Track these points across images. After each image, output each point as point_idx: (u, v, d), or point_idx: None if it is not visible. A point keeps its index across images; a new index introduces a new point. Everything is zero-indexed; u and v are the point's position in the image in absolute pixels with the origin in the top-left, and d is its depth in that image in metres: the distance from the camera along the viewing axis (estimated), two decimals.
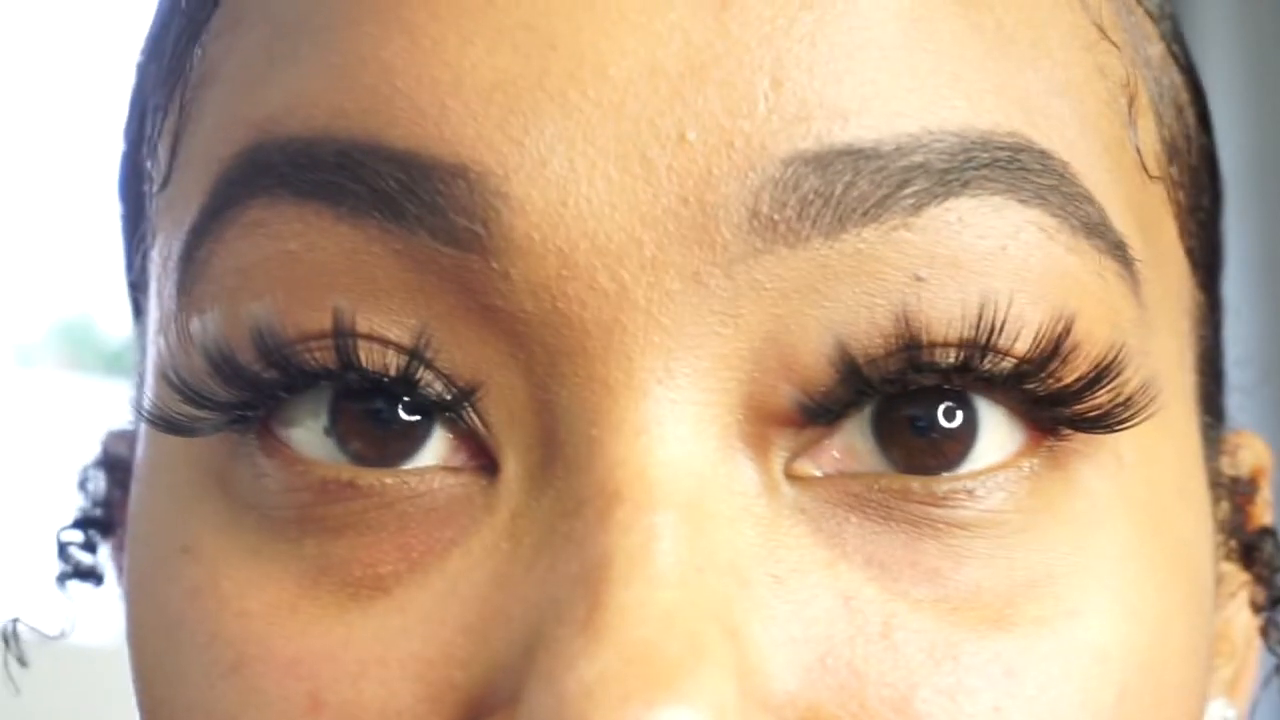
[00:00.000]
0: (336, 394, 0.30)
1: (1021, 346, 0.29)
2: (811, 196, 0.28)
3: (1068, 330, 0.29)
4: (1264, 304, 1.12)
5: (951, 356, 0.28)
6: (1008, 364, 0.29)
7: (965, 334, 0.28)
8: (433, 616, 0.29)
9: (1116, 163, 0.31)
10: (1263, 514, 0.39)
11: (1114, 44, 0.32)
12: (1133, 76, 0.32)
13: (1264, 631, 0.38)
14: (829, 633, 0.28)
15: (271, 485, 0.31)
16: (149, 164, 0.35)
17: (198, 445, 0.32)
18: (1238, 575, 0.38)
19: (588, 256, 0.28)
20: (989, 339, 0.28)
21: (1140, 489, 0.31)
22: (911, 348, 0.28)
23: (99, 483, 0.44)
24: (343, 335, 0.29)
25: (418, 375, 0.29)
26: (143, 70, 0.36)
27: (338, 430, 0.30)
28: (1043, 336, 0.29)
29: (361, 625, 0.29)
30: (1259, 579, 0.38)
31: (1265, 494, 0.40)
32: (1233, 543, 0.38)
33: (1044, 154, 0.29)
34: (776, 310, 0.28)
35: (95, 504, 0.44)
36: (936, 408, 0.29)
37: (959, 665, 0.28)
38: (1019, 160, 0.29)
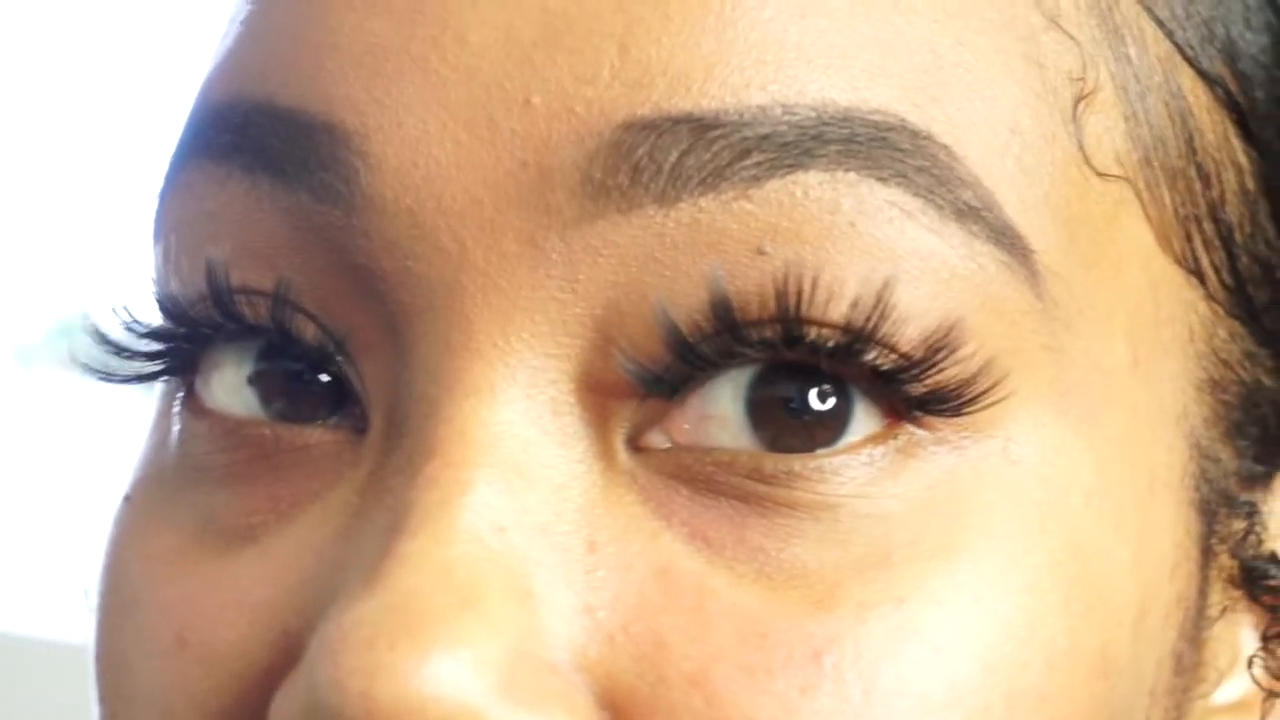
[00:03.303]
0: (258, 354, 0.32)
1: (839, 314, 0.28)
2: (645, 163, 0.28)
3: (891, 296, 0.28)
4: None
5: (772, 332, 0.28)
6: (830, 333, 0.28)
7: (779, 307, 0.28)
8: (286, 565, 0.30)
9: (1038, 154, 0.30)
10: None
11: (1069, 36, 0.31)
12: (1094, 71, 0.31)
13: (1250, 662, 0.36)
14: (639, 602, 0.28)
15: (185, 435, 0.32)
16: None
17: (162, 408, 0.34)
18: (1229, 599, 0.36)
19: (433, 216, 0.29)
20: (802, 311, 0.28)
21: (1032, 487, 0.30)
22: (731, 325, 0.28)
23: None
24: (217, 291, 0.31)
25: (289, 321, 0.30)
26: None
27: (261, 386, 0.32)
28: (863, 302, 0.28)
29: (229, 571, 0.30)
30: (1267, 609, 0.36)
31: None
32: (1235, 567, 0.36)
33: (916, 134, 0.29)
34: (614, 278, 0.29)
35: None
36: (809, 389, 0.29)
37: (766, 643, 0.28)
38: (884, 138, 0.29)
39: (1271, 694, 0.35)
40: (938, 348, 0.29)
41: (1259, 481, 0.36)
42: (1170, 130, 0.33)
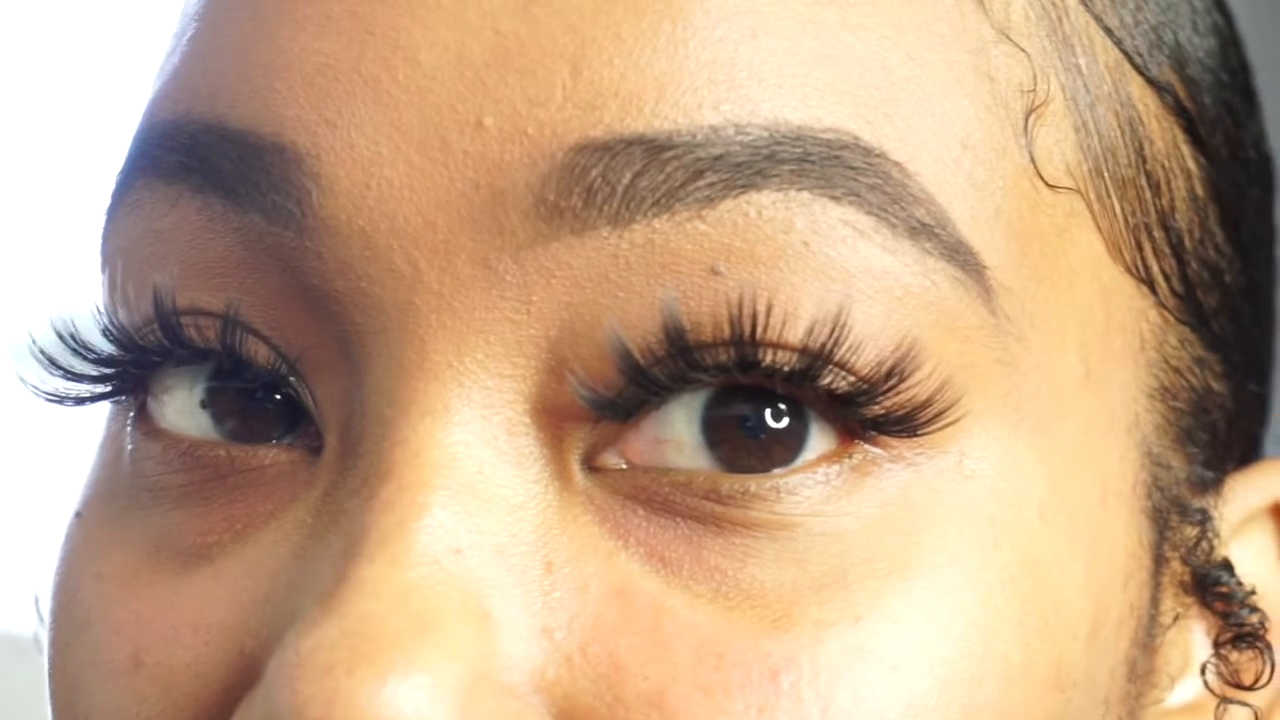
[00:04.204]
0: (211, 373, 0.31)
1: (794, 338, 0.28)
2: (598, 184, 0.28)
3: (848, 322, 0.28)
4: None
5: (725, 355, 0.28)
6: (784, 357, 0.28)
7: (733, 331, 0.28)
8: (241, 586, 0.30)
9: (988, 168, 0.30)
10: (1254, 545, 0.37)
11: (1019, 48, 0.31)
12: (1044, 83, 0.31)
13: (1203, 668, 0.35)
14: (596, 623, 0.28)
15: (138, 455, 0.32)
16: None
17: (114, 423, 0.34)
18: (1189, 606, 0.36)
19: (386, 238, 0.29)
20: (756, 335, 0.28)
21: (986, 502, 0.30)
22: (683, 349, 0.28)
23: None
24: (163, 314, 0.30)
25: (240, 344, 0.30)
26: None
27: (214, 407, 0.31)
28: (818, 328, 0.28)
29: (184, 592, 0.30)
30: (1218, 615, 0.36)
31: (1267, 530, 0.37)
32: (1187, 573, 0.36)
33: (869, 151, 0.29)
34: (569, 299, 0.28)
35: None
36: (763, 410, 0.29)
37: (723, 663, 0.28)
38: (838, 157, 0.29)
39: (1224, 699, 0.35)
40: (894, 371, 0.29)
41: (1209, 487, 0.36)
42: (1120, 139, 0.33)
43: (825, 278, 0.28)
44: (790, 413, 0.29)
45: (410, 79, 0.29)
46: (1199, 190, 0.35)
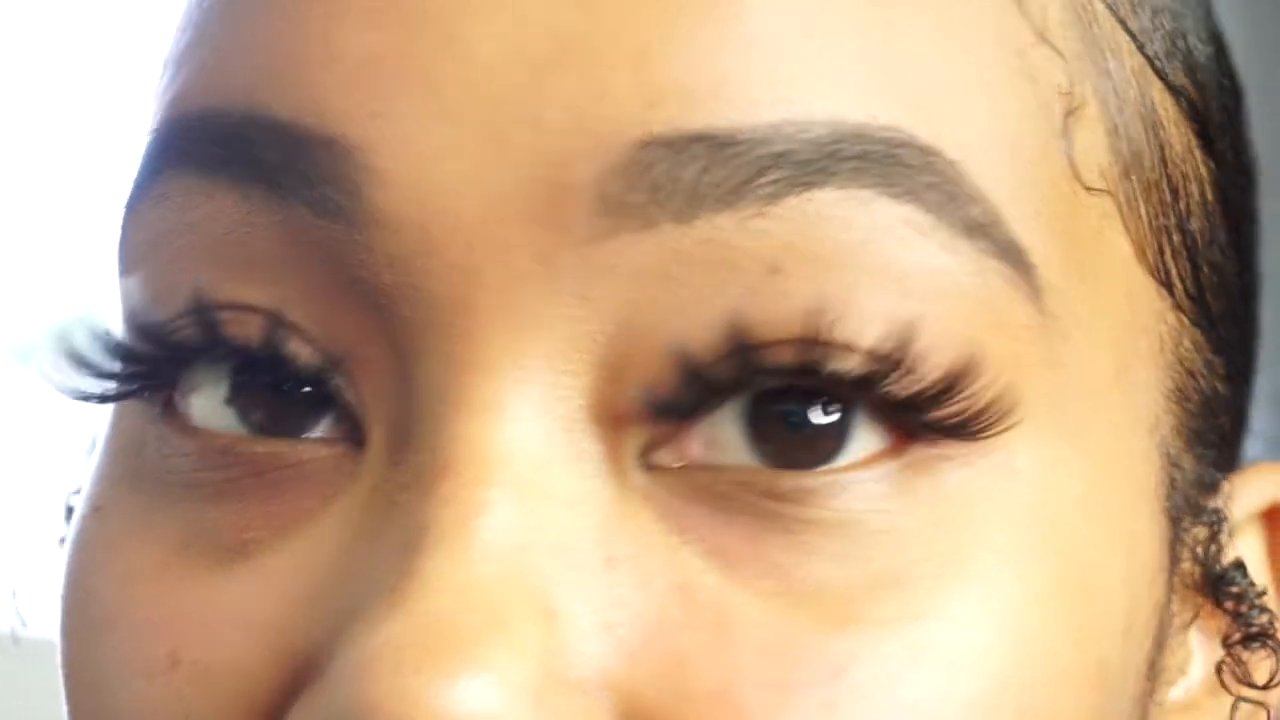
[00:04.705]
0: (236, 366, 0.31)
1: (865, 345, 0.28)
2: (662, 180, 0.28)
3: (918, 330, 0.28)
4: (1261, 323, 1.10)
5: (788, 357, 0.28)
6: (851, 364, 0.28)
7: (802, 332, 0.28)
8: (286, 582, 0.29)
9: (1034, 168, 0.30)
10: (1246, 549, 0.37)
11: (1057, 51, 0.31)
12: (1079, 85, 0.32)
13: (1219, 668, 0.36)
14: (660, 619, 0.28)
15: (167, 450, 0.31)
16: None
17: (127, 411, 0.33)
18: (1198, 606, 0.36)
19: (443, 233, 0.28)
20: (826, 338, 0.28)
21: (1035, 502, 0.30)
22: (745, 348, 0.28)
23: None
24: (204, 309, 0.30)
25: (283, 344, 0.30)
26: None
27: (239, 401, 0.31)
28: (889, 336, 0.28)
29: (224, 588, 0.30)
30: (1229, 615, 0.37)
31: (1263, 533, 0.38)
32: (1198, 573, 0.36)
33: (926, 150, 0.29)
34: (629, 295, 0.28)
35: None
36: (810, 405, 0.29)
37: (788, 659, 0.28)
38: (896, 155, 0.28)
39: (1240, 699, 0.36)
40: (958, 377, 0.29)
41: (1215, 489, 0.36)
42: (1145, 143, 0.33)
43: (888, 279, 0.28)
44: (835, 408, 0.29)
45: (465, 71, 0.28)
46: (1209, 194, 0.36)
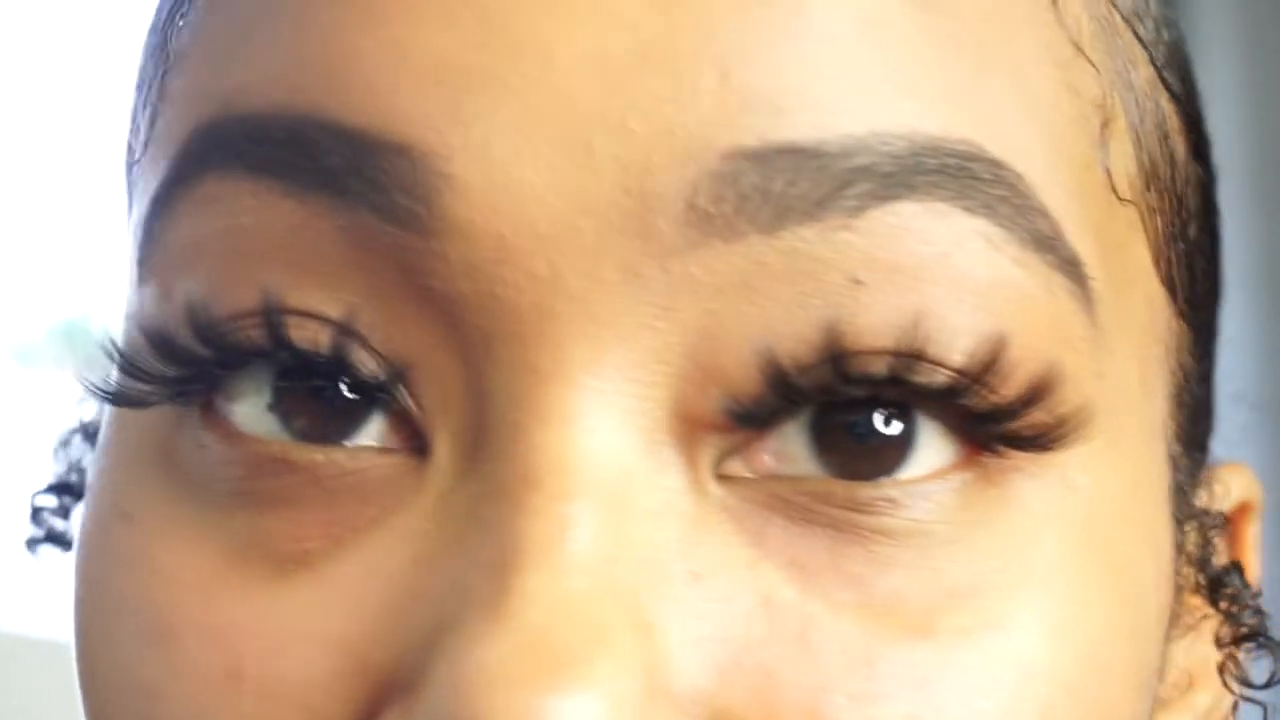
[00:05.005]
0: (279, 371, 0.30)
1: (956, 359, 0.28)
2: (750, 192, 0.28)
3: (1005, 346, 0.29)
4: (1264, 326, 1.11)
5: (882, 367, 0.28)
6: (941, 377, 0.28)
7: (899, 344, 0.28)
8: (354, 594, 0.29)
9: (1080, 180, 0.31)
10: (1238, 550, 0.39)
11: (1092, 64, 0.32)
12: (1110, 98, 0.32)
13: (1221, 668, 0.37)
14: (745, 633, 0.28)
15: (210, 457, 0.31)
16: (132, 138, 0.35)
17: (148, 413, 0.32)
18: (1201, 609, 0.38)
19: (525, 241, 0.28)
20: (921, 350, 0.28)
21: (1085, 511, 0.31)
22: (840, 357, 0.28)
23: (77, 447, 0.44)
24: (272, 312, 0.29)
25: (349, 352, 0.29)
26: (144, 47, 0.36)
27: (281, 407, 0.30)
28: (978, 351, 0.28)
29: (285, 599, 0.29)
30: (1224, 615, 0.38)
31: (1246, 529, 0.39)
32: (1199, 576, 0.37)
33: (996, 163, 0.29)
34: (711, 305, 0.28)
35: (71, 469, 0.44)
36: (874, 414, 0.29)
37: (874, 671, 0.28)
38: (969, 168, 0.29)
39: (1242, 698, 0.37)
40: (1038, 391, 0.29)
41: (1201, 491, 0.37)
42: (1160, 153, 0.34)
43: (967, 292, 0.28)
44: (898, 417, 0.29)
45: (546, 77, 0.28)
46: (1202, 201, 0.36)
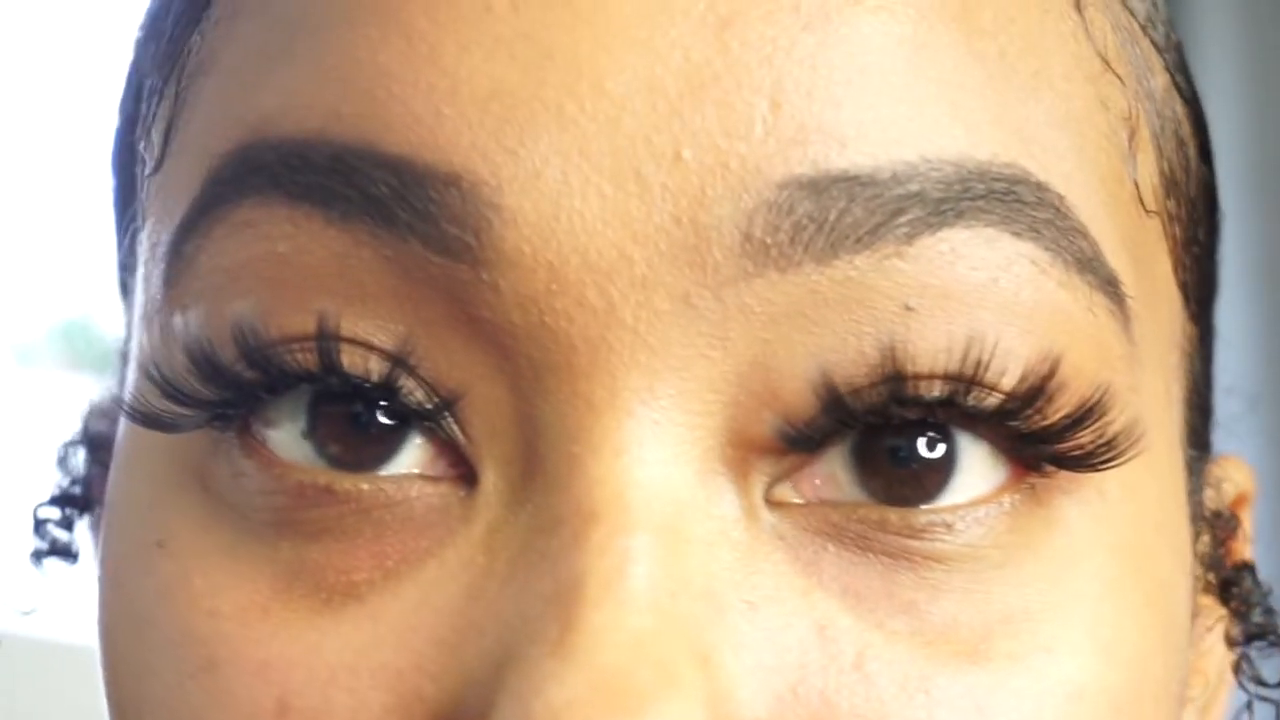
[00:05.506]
0: (315, 397, 0.30)
1: (1008, 383, 0.28)
2: (805, 221, 0.28)
3: (1055, 368, 0.29)
4: (1261, 321, 1.10)
5: (936, 390, 0.28)
6: (993, 400, 0.28)
7: (951, 368, 0.28)
8: (405, 626, 0.29)
9: (1113, 196, 0.31)
10: (1242, 549, 0.39)
11: (1118, 76, 0.32)
12: (1135, 109, 0.32)
13: (1236, 667, 0.37)
14: (802, 661, 0.28)
15: (249, 485, 0.30)
16: (142, 146, 0.34)
17: (179, 439, 0.31)
18: (1215, 609, 0.38)
19: (578, 272, 0.28)
20: (975, 374, 0.28)
21: (1122, 526, 0.31)
22: (895, 379, 0.28)
23: (79, 459, 0.44)
24: (326, 338, 0.29)
25: (400, 382, 0.29)
26: (141, 48, 0.36)
27: (316, 433, 0.30)
28: (1029, 374, 0.28)
29: (334, 632, 0.29)
30: (1235, 614, 0.38)
31: (1245, 526, 0.40)
32: (1210, 576, 0.38)
33: (1040, 186, 0.29)
34: (764, 335, 0.28)
35: (74, 481, 0.44)
36: (918, 438, 0.29)
37: (930, 699, 0.28)
38: (1015, 192, 0.29)
39: (1257, 697, 0.37)
40: (1088, 412, 0.29)
41: (1208, 488, 0.38)
42: (1177, 160, 0.34)
43: (1017, 315, 0.29)
44: (940, 440, 0.29)
45: (598, 107, 0.28)
46: (1210, 205, 0.37)
